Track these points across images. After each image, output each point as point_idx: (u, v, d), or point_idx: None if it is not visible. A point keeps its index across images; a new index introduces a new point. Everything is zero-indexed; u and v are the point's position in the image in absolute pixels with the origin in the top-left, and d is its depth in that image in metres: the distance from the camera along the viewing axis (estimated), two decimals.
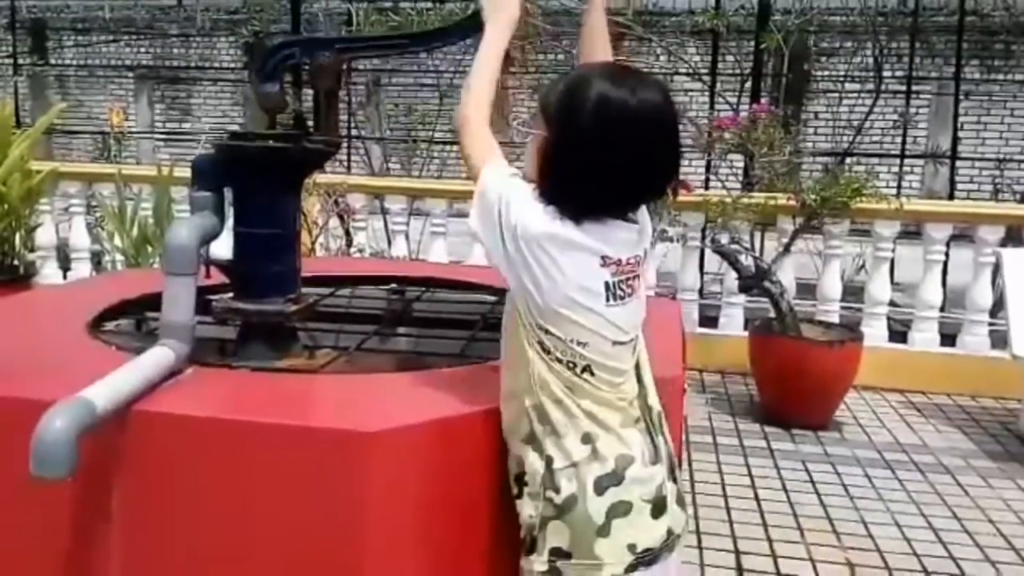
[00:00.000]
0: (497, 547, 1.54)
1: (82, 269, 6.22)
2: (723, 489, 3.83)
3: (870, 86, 7.56)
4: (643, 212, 1.55)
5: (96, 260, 6.24)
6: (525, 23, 7.09)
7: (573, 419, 1.45)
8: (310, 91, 1.89)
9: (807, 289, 5.86)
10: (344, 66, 1.83)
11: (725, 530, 3.43)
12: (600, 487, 1.44)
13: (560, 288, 1.41)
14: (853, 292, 6.08)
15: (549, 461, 1.45)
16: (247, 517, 1.44)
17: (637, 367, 1.55)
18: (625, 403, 1.50)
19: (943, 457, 4.28)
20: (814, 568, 3.16)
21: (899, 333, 5.64)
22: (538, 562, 1.45)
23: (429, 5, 7.20)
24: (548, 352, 1.44)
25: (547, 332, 1.44)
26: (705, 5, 7.84)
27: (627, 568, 1.44)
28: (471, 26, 1.75)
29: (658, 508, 1.49)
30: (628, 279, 1.48)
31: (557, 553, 1.44)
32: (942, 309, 5.62)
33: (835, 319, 5.40)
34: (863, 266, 7.21)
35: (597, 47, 1.78)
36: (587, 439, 1.45)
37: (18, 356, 1.81)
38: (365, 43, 1.81)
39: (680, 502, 1.56)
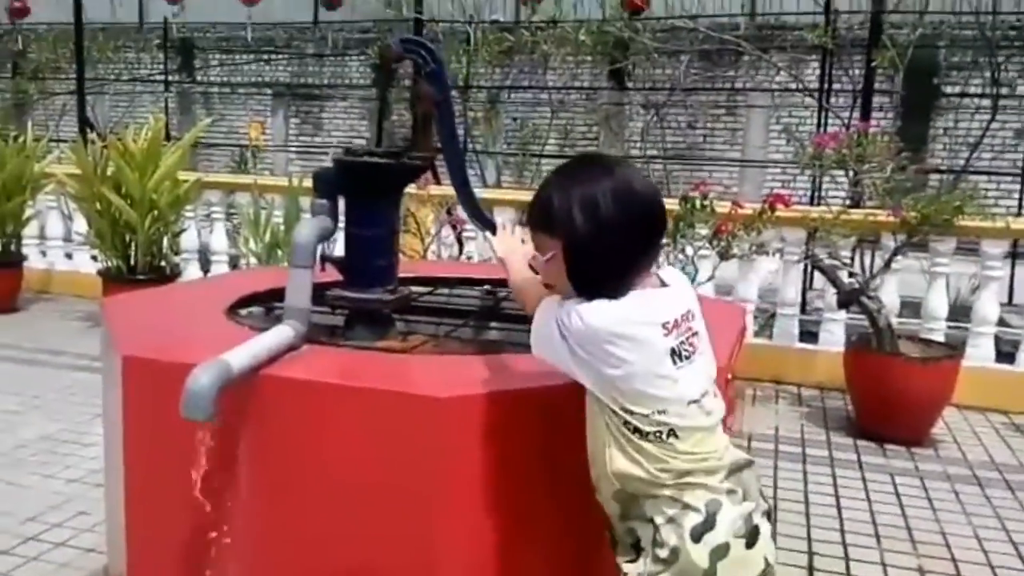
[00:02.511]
0: (550, 509, 1.80)
1: (221, 271, 6.82)
2: (805, 496, 3.94)
3: (1000, 102, 7.41)
4: (672, 271, 1.74)
5: (233, 263, 6.83)
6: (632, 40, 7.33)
7: (660, 484, 1.57)
8: None
9: (916, 308, 5.84)
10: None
11: (801, 533, 3.56)
12: (696, 535, 1.56)
13: (638, 367, 1.54)
14: (967, 312, 6.00)
15: (652, 521, 1.59)
16: (347, 460, 1.76)
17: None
18: (710, 457, 1.61)
19: None
20: (885, 572, 3.26)
21: (1010, 354, 5.55)
22: None
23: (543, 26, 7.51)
24: (635, 428, 1.57)
25: (632, 413, 1.56)
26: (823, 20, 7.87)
27: None
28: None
29: (751, 539, 1.60)
30: (688, 338, 1.61)
31: None
32: None
33: (940, 337, 5.36)
34: (978, 286, 7.08)
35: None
36: (675, 499, 1.58)
37: (173, 332, 2.20)
38: (448, 129, 2.14)
39: (774, 539, 1.69)
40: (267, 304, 2.59)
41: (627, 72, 9.94)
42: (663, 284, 1.67)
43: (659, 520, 1.59)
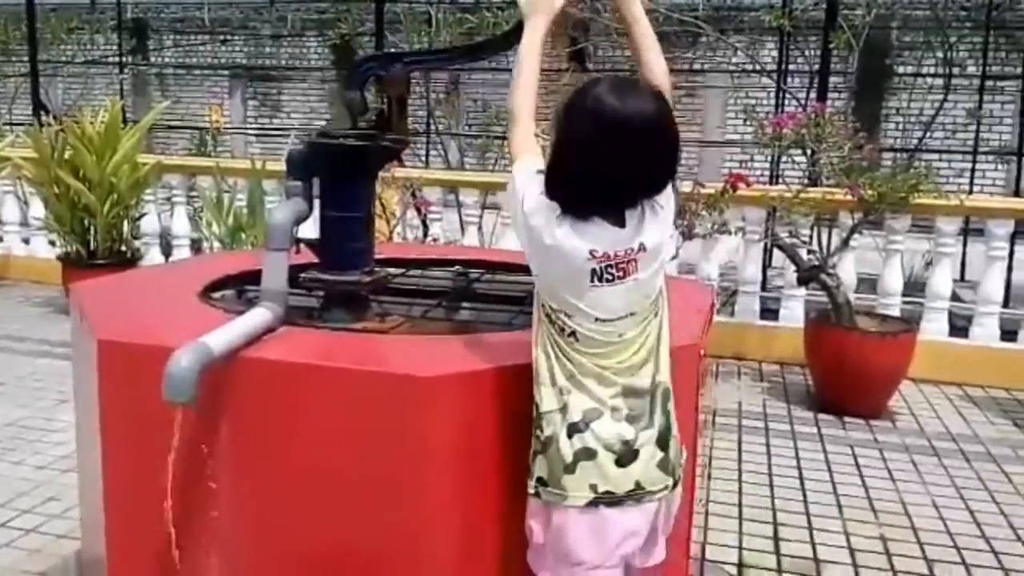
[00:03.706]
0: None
1: (182, 255, 6.75)
2: (769, 469, 4.04)
3: (952, 81, 7.54)
4: (656, 206, 1.69)
5: (195, 247, 6.76)
6: (588, 19, 7.36)
7: (554, 373, 1.71)
8: None
9: (872, 284, 5.98)
10: (413, 76, 2.15)
11: (766, 504, 3.65)
12: (569, 431, 1.69)
13: (552, 268, 1.68)
14: (921, 288, 6.15)
15: (536, 406, 1.72)
16: (327, 441, 1.79)
17: (647, 342, 1.74)
18: (606, 371, 1.70)
19: (992, 447, 4.39)
20: (848, 541, 3.36)
21: (963, 329, 5.72)
22: (529, 486, 1.75)
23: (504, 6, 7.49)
24: (547, 315, 1.71)
25: (543, 299, 1.71)
26: (780, 2, 7.94)
27: (588, 503, 1.70)
28: (516, 35, 1.94)
29: (624, 458, 1.71)
30: (619, 265, 1.66)
31: (540, 481, 1.73)
32: (1006, 305, 5.67)
33: (896, 313, 5.50)
34: (931, 262, 7.26)
35: (646, 40, 1.89)
36: (562, 392, 1.70)
37: (148, 316, 2.20)
38: (428, 56, 2.14)
39: (665, 468, 1.75)
40: (239, 287, 2.59)
41: (588, 54, 9.95)
42: (618, 221, 1.66)
43: (543, 408, 1.72)
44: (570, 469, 1.69)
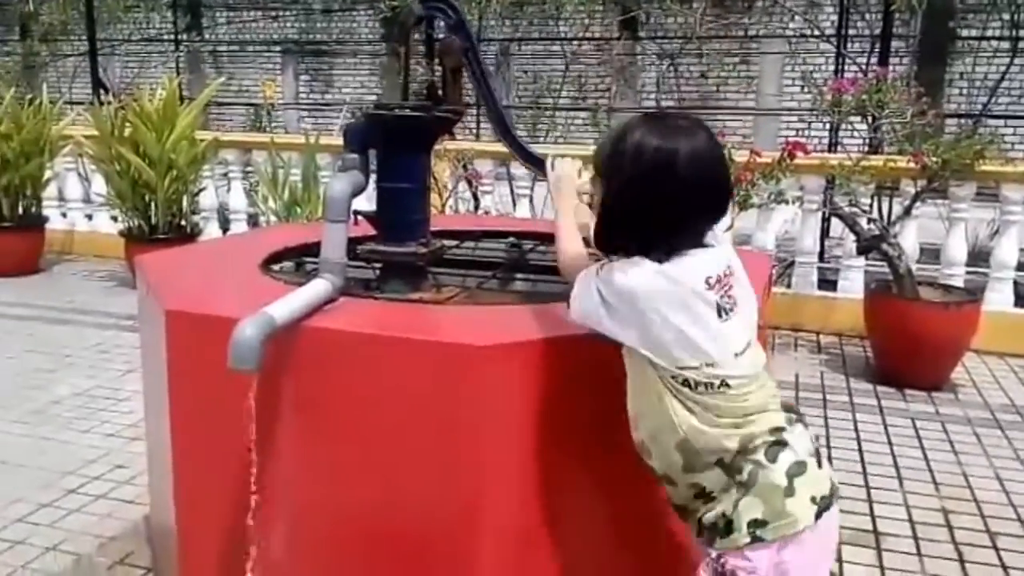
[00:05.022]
0: (592, 454, 1.84)
1: (240, 229, 6.87)
2: (827, 441, 3.98)
3: (1019, 44, 7.27)
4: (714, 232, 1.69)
5: (252, 221, 6.87)
6: None
7: (718, 422, 1.60)
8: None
9: (934, 254, 5.84)
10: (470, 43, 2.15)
11: None
12: (772, 456, 1.59)
13: (683, 322, 1.56)
14: (985, 258, 5.99)
15: (720, 461, 1.61)
16: (385, 409, 1.81)
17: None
18: (765, 402, 1.64)
19: None
20: (908, 513, 3.31)
21: None
22: (740, 537, 1.59)
23: None
24: (687, 384, 1.58)
25: (683, 367, 1.57)
26: None
27: (816, 517, 1.59)
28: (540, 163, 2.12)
29: (819, 459, 1.65)
30: (727, 292, 1.62)
31: (755, 524, 1.58)
32: None
33: (959, 283, 5.37)
34: (996, 231, 7.05)
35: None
36: (738, 427, 1.60)
37: (213, 287, 2.25)
38: (479, 70, 2.15)
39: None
40: (297, 259, 2.63)
41: (640, 22, 9.82)
42: (705, 245, 1.66)
43: (727, 459, 1.61)
44: (790, 491, 1.58)
